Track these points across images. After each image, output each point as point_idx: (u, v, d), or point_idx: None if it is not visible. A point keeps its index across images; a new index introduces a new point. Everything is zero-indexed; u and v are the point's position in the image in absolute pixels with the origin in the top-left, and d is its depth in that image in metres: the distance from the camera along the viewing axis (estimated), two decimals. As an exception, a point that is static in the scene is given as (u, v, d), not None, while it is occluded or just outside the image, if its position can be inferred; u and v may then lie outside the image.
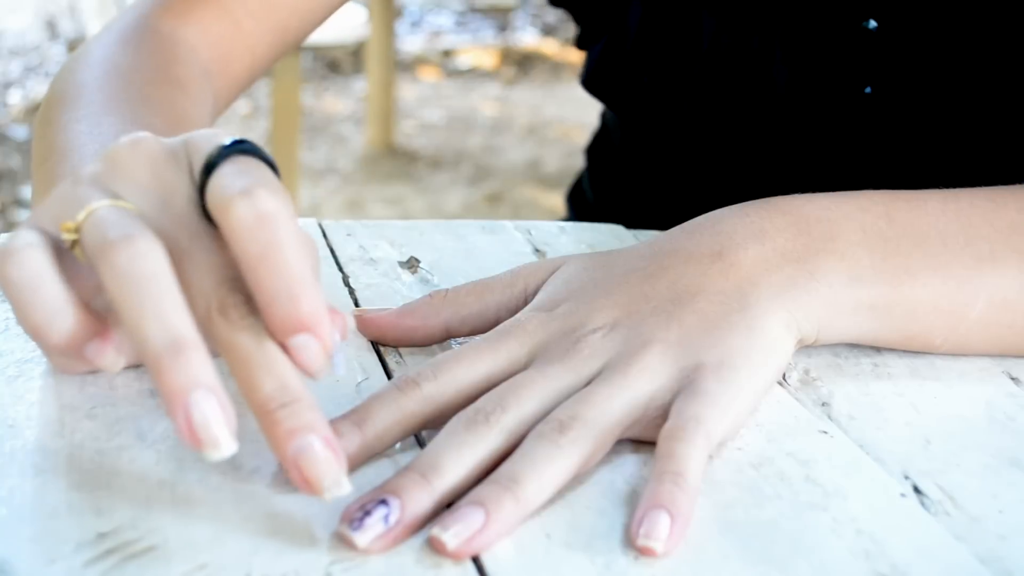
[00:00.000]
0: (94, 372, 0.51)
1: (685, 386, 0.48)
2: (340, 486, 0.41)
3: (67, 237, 0.44)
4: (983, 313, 0.54)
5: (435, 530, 0.41)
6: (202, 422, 0.40)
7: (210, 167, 0.44)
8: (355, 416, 0.46)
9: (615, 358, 0.49)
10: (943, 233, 0.54)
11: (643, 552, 0.42)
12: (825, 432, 0.51)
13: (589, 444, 0.45)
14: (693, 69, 0.77)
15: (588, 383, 0.48)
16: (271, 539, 0.42)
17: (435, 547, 0.41)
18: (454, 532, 0.41)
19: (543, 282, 0.55)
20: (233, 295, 0.43)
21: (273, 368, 0.42)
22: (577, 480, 0.45)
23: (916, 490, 0.47)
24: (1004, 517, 0.45)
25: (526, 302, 0.54)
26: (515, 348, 0.50)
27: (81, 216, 0.44)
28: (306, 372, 0.43)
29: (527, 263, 0.56)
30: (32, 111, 3.56)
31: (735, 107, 0.77)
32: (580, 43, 0.86)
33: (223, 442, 0.41)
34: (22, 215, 2.91)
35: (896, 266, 0.53)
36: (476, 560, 0.41)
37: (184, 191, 0.46)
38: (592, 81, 0.85)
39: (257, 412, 0.42)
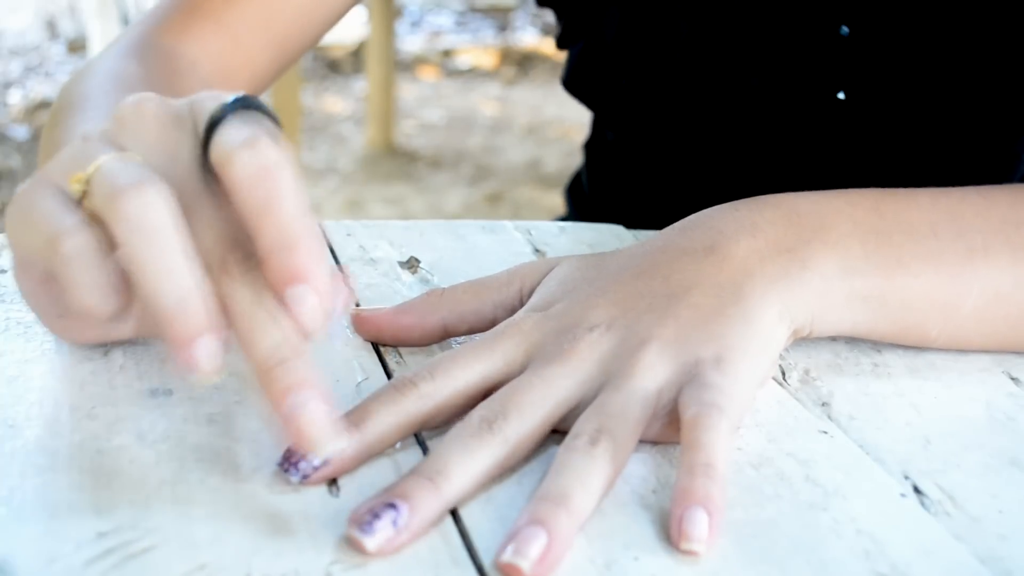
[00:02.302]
0: (102, 345, 0.51)
1: (689, 380, 0.48)
2: (335, 442, 0.42)
3: (76, 188, 0.44)
4: (977, 305, 0.55)
5: (507, 556, 0.41)
6: (201, 365, 0.41)
7: (214, 123, 0.45)
8: (354, 416, 0.46)
9: (613, 359, 0.49)
10: (934, 225, 0.55)
11: (686, 554, 0.42)
12: (825, 432, 0.51)
13: (620, 451, 0.45)
14: (669, 73, 0.77)
15: (586, 384, 0.48)
16: (271, 539, 0.42)
17: (510, 573, 0.40)
18: (525, 555, 0.41)
19: (538, 282, 0.55)
20: (234, 251, 0.43)
21: (272, 325, 0.42)
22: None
23: (916, 490, 0.47)
24: (1004, 517, 0.45)
25: (522, 301, 0.54)
26: (511, 348, 0.50)
27: (91, 168, 0.44)
28: (302, 328, 0.43)
29: (524, 262, 0.56)
30: (32, 111, 3.56)
31: (711, 111, 0.77)
32: (560, 43, 0.86)
33: (211, 365, 0.41)
34: (22, 215, 2.90)
35: (888, 257, 0.53)
36: (476, 561, 0.41)
37: (188, 149, 0.46)
38: (572, 82, 0.85)
39: (256, 369, 0.42)
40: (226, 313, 0.43)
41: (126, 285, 0.44)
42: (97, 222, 0.43)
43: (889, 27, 0.71)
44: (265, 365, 0.42)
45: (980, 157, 0.73)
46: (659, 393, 0.48)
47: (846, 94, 0.73)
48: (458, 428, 0.46)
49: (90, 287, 0.43)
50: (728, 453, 0.46)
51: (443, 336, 0.55)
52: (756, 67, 0.74)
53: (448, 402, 0.48)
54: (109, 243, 0.43)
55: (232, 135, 0.44)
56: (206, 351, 0.41)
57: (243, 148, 0.43)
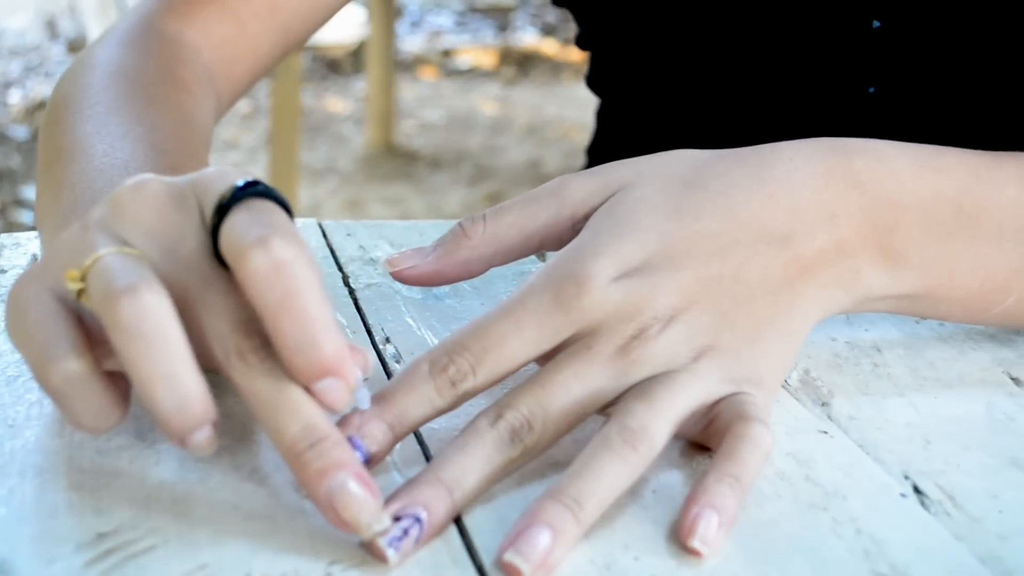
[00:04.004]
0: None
1: (732, 394, 0.48)
2: (379, 522, 0.41)
3: (72, 286, 0.43)
4: (1007, 310, 0.55)
5: (509, 555, 0.41)
6: (195, 450, 0.42)
7: (222, 210, 0.43)
8: (389, 416, 0.45)
9: (665, 364, 0.47)
10: (1003, 230, 0.54)
11: (690, 552, 0.42)
12: (825, 432, 0.51)
13: (652, 454, 0.45)
14: (699, 68, 0.77)
15: (629, 383, 0.47)
16: (271, 539, 0.42)
17: (510, 572, 0.40)
18: (527, 557, 0.41)
19: (595, 207, 0.51)
20: (250, 339, 0.42)
21: (297, 410, 0.41)
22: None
23: (916, 490, 0.47)
24: (1004, 517, 0.45)
25: (574, 230, 0.51)
26: (564, 327, 0.47)
27: (87, 263, 0.43)
28: (330, 411, 0.42)
29: (571, 176, 0.53)
30: (32, 111, 3.56)
31: (741, 106, 0.77)
32: (581, 43, 0.86)
33: (205, 448, 0.42)
34: (22, 215, 2.91)
35: (942, 268, 0.53)
36: (476, 561, 0.41)
37: (194, 234, 0.44)
38: (597, 80, 0.85)
39: (286, 455, 0.41)
40: (247, 401, 0.42)
41: (126, 394, 0.44)
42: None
43: (921, 20, 0.71)
44: (294, 450, 0.41)
45: (1013, 150, 0.73)
46: (702, 401, 0.47)
47: (877, 88, 0.72)
48: (478, 431, 0.45)
49: (83, 413, 0.43)
50: (759, 474, 0.46)
51: (487, 270, 0.54)
52: (787, 61, 0.74)
53: (485, 390, 0.47)
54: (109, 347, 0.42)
55: (243, 231, 0.42)
56: (201, 439, 0.42)
57: (255, 247, 0.41)
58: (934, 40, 0.71)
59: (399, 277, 0.54)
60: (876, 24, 0.71)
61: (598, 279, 0.48)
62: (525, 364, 0.47)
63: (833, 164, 0.53)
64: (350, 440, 0.44)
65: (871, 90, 0.73)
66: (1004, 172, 0.55)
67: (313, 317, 0.41)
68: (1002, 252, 0.54)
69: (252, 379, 0.42)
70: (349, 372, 0.42)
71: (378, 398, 0.45)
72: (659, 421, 0.45)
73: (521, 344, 0.47)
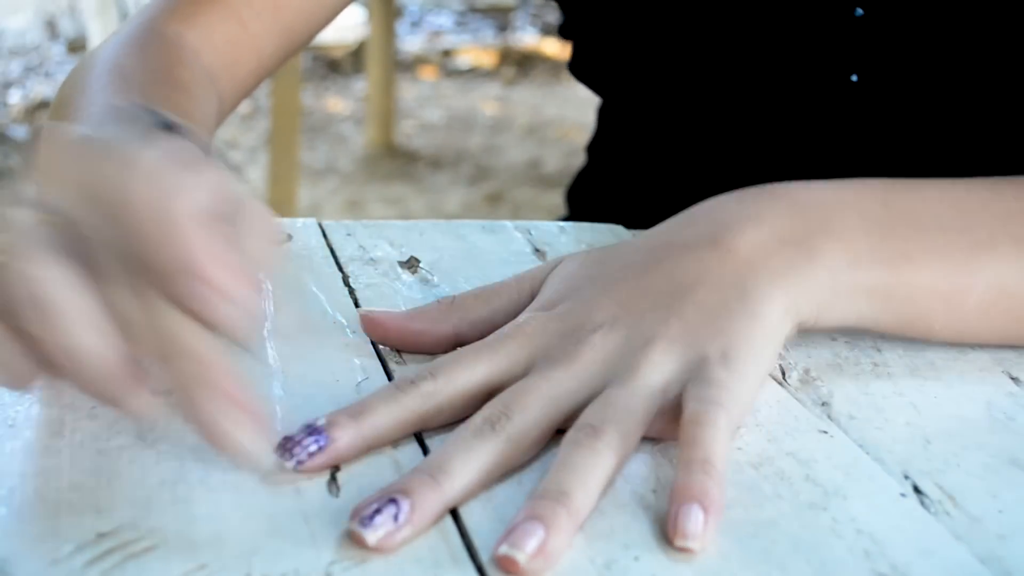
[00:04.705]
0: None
1: (694, 376, 0.48)
2: (256, 443, 0.41)
3: None
4: (982, 299, 0.55)
5: (503, 548, 0.41)
6: (141, 416, 0.43)
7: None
8: (353, 410, 0.47)
9: (617, 359, 0.49)
10: (940, 218, 0.55)
11: (681, 551, 0.42)
12: (825, 432, 0.51)
13: (622, 445, 0.45)
14: (679, 56, 0.77)
15: (590, 385, 0.48)
16: (271, 539, 0.42)
17: (506, 565, 0.41)
18: (522, 548, 0.41)
19: (543, 280, 0.55)
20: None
21: (181, 339, 0.41)
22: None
23: (916, 490, 0.47)
24: (1004, 517, 0.46)
25: None
26: (514, 350, 0.50)
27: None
28: (229, 337, 0.42)
29: (533, 267, 0.56)
30: (32, 111, 3.56)
31: (721, 94, 0.77)
32: (563, 32, 0.85)
33: (150, 411, 0.42)
34: (22, 215, 2.91)
35: (894, 249, 0.54)
36: (476, 559, 0.41)
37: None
38: (579, 67, 0.85)
39: (175, 389, 0.42)
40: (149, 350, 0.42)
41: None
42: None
43: (904, 8, 0.71)
44: (180, 380, 0.41)
45: (995, 140, 0.73)
46: (664, 390, 0.48)
47: (860, 77, 0.73)
48: (460, 429, 0.46)
49: (72, 323, 0.42)
50: (727, 450, 0.46)
51: (454, 344, 0.54)
52: (769, 49, 0.74)
53: (449, 402, 0.48)
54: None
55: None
56: (138, 404, 0.42)
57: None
58: (917, 28, 0.71)
59: (370, 322, 0.55)
60: (859, 12, 0.71)
61: (535, 317, 0.51)
62: (484, 380, 0.49)
63: (747, 192, 0.55)
64: (312, 426, 0.45)
65: (854, 78, 0.73)
66: (921, 183, 0.57)
67: (191, 243, 0.41)
68: (949, 239, 0.54)
69: (153, 318, 0.42)
70: (217, 276, 0.41)
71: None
72: (618, 413, 0.46)
73: (475, 359, 0.49)
